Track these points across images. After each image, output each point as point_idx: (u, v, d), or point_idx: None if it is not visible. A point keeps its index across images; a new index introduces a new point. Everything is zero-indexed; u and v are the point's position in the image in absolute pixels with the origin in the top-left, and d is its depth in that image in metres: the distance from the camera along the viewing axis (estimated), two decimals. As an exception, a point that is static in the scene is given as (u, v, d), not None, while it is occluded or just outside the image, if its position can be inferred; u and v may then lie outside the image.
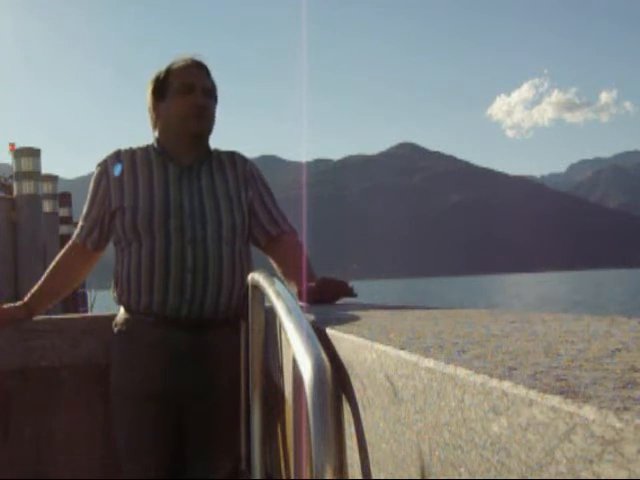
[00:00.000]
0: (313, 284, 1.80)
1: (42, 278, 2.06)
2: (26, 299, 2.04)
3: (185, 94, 1.95)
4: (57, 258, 2.09)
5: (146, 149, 2.04)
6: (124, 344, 1.95)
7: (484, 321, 0.97)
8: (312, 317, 1.22)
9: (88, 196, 2.05)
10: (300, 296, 1.76)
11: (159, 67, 2.06)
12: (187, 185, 1.97)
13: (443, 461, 0.55)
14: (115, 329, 1.98)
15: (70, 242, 2.09)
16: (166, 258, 1.88)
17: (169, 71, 2.00)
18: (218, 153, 2.11)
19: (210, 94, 2.01)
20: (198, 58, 2.04)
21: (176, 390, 1.91)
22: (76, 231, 2.09)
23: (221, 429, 1.95)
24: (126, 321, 1.96)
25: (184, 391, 1.92)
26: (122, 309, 1.99)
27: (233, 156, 2.13)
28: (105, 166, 2.02)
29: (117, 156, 2.03)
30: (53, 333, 2.19)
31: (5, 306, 2.05)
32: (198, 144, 2.03)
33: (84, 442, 2.25)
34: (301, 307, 1.00)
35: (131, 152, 2.04)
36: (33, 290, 2.04)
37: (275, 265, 2.08)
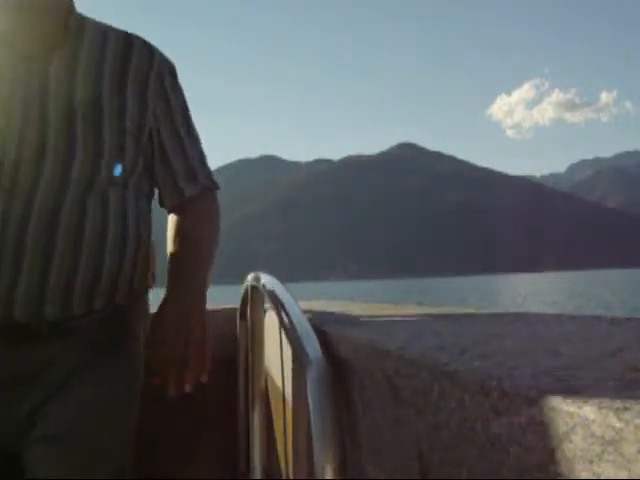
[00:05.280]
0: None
1: None
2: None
3: None
4: None
5: None
6: None
7: (484, 321, 0.97)
8: (312, 317, 1.22)
9: None
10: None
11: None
12: (33, 92, 1.16)
13: (443, 461, 0.55)
14: None
15: None
16: None
17: None
18: (102, 30, 1.30)
19: None
20: None
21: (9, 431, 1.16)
22: None
23: None
24: None
25: (19, 434, 1.15)
26: None
27: (130, 40, 1.31)
28: None
29: None
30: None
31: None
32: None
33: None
34: (301, 307, 1.00)
35: None
36: None
37: (170, 244, 1.33)
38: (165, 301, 1.26)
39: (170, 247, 1.34)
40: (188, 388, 1.19)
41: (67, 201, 1.17)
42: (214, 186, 1.44)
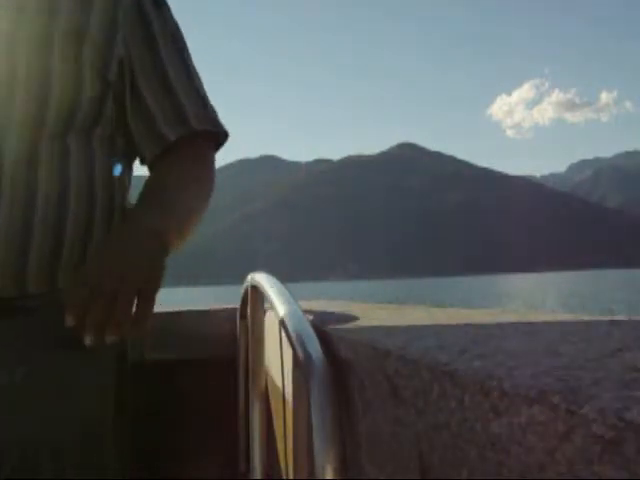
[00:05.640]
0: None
1: None
2: None
3: None
4: None
5: None
6: None
7: (484, 321, 0.97)
8: (312, 317, 1.22)
9: None
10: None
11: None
12: None
13: (443, 461, 0.55)
14: None
15: None
16: None
17: None
18: None
19: None
20: None
21: None
22: None
23: None
24: None
25: None
26: None
27: None
28: None
29: None
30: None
31: None
32: None
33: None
34: (301, 307, 1.00)
35: None
36: None
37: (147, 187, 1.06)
38: (121, 224, 0.99)
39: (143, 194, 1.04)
40: (109, 339, 0.85)
41: (9, 149, 0.91)
42: (216, 130, 1.12)
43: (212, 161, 1.15)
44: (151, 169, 1.10)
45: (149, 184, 1.05)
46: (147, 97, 1.05)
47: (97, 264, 0.88)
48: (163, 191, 1.03)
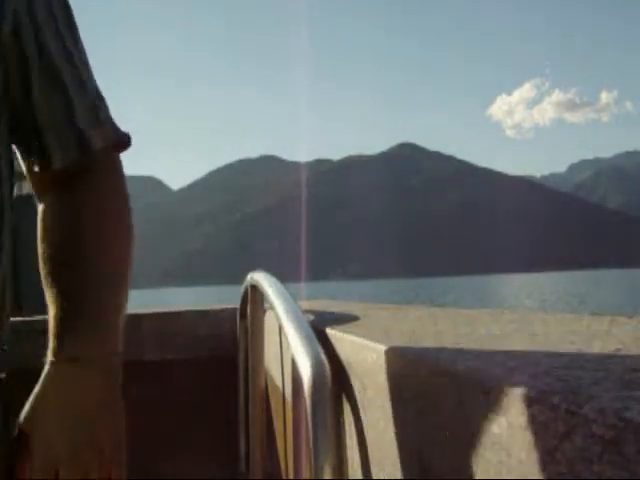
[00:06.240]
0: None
1: None
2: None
3: None
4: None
5: None
6: None
7: (484, 321, 0.97)
8: (312, 317, 1.22)
9: None
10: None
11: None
12: None
13: (443, 461, 0.55)
14: None
15: None
16: None
17: None
18: None
19: None
20: None
21: None
22: None
23: None
24: None
25: None
26: None
27: None
28: None
29: None
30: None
31: None
32: None
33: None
34: (301, 307, 1.00)
35: None
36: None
37: (42, 268, 0.80)
38: (46, 381, 0.71)
39: (41, 265, 0.78)
40: None
41: None
42: (120, 143, 0.83)
43: (124, 185, 0.84)
44: (37, 193, 0.86)
45: (51, 253, 0.78)
46: (32, 79, 0.74)
47: (55, 446, 0.68)
48: (90, 282, 0.76)
